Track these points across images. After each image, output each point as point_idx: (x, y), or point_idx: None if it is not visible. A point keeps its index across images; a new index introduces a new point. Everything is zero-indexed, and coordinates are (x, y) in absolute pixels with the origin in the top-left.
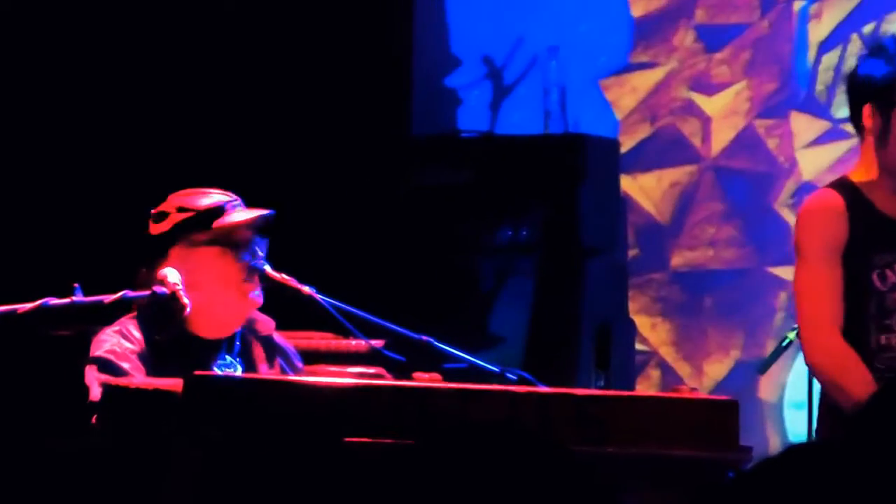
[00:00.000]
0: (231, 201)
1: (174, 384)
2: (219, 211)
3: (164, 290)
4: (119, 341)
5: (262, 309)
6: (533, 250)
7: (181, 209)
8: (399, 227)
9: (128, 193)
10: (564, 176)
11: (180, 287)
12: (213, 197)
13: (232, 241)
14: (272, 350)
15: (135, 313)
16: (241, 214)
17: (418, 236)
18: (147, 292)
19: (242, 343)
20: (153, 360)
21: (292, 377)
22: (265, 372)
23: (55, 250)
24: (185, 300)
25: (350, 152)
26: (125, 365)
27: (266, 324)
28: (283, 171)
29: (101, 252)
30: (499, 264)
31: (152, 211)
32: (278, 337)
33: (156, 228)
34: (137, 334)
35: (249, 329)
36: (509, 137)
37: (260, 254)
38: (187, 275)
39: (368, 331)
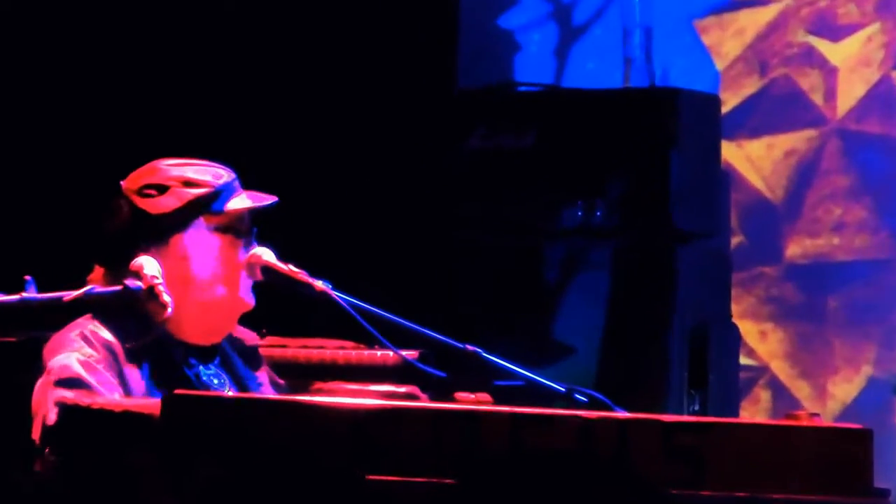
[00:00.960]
0: (236, 178)
1: (150, 405)
2: (230, 190)
3: (138, 284)
4: (83, 347)
5: (262, 309)
6: (610, 235)
7: (189, 184)
8: (440, 205)
9: (92, 168)
10: (650, 141)
11: (160, 281)
12: (218, 171)
13: (242, 228)
14: (256, 361)
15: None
16: (246, 197)
17: (465, 216)
18: (117, 287)
19: (221, 352)
20: (125, 372)
21: (301, 397)
22: (257, 382)
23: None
24: (167, 297)
25: (380, 111)
26: (91, 378)
27: (248, 334)
28: (292, 136)
29: (60, 239)
30: (567, 252)
31: (132, 186)
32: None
33: (154, 205)
34: (107, 336)
35: (229, 337)
36: (580, 92)
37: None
38: (182, 266)
39: (398, 338)
